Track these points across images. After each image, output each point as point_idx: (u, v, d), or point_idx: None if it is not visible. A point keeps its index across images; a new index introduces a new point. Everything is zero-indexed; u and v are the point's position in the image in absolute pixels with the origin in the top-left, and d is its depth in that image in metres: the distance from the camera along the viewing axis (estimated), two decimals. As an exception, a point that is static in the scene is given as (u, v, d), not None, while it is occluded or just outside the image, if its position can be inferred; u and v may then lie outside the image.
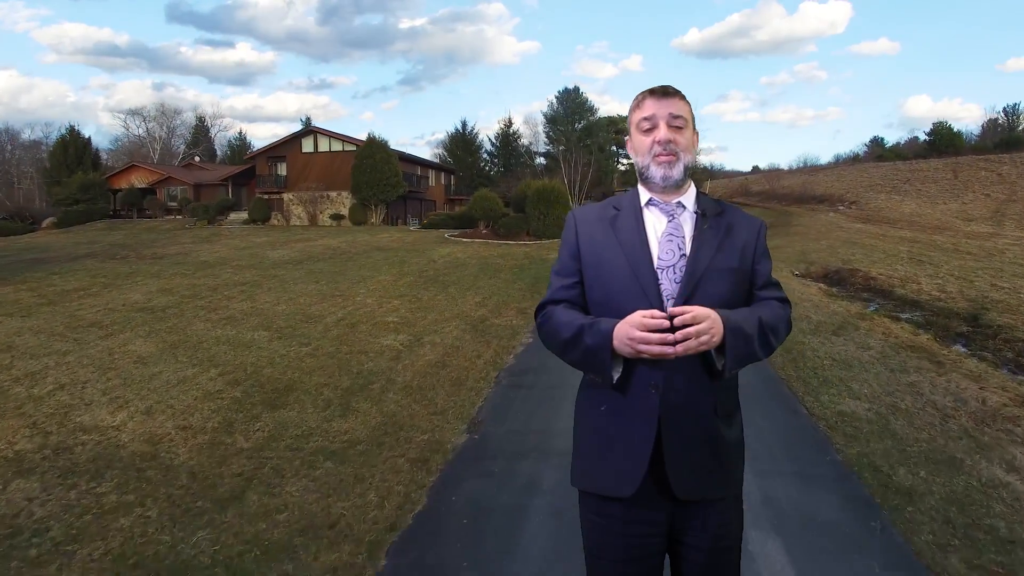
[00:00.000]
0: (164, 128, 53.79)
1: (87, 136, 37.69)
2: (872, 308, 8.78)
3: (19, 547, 2.86)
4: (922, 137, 49.66)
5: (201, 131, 55.48)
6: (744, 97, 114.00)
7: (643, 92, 1.40)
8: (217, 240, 21.01)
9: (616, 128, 46.59)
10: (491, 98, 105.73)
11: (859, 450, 3.69)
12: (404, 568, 2.64)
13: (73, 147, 36.25)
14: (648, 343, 1.17)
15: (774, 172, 52.79)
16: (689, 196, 1.40)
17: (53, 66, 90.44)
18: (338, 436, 4.25)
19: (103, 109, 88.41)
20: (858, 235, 19.13)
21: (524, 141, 49.98)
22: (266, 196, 29.66)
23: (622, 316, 1.25)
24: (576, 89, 49.30)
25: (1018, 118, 48.96)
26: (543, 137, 49.52)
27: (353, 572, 2.63)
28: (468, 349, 6.36)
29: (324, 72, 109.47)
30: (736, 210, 1.45)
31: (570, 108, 48.45)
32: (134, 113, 58.89)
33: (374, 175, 26.86)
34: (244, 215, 29.67)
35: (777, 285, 1.44)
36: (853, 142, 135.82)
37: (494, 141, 49.83)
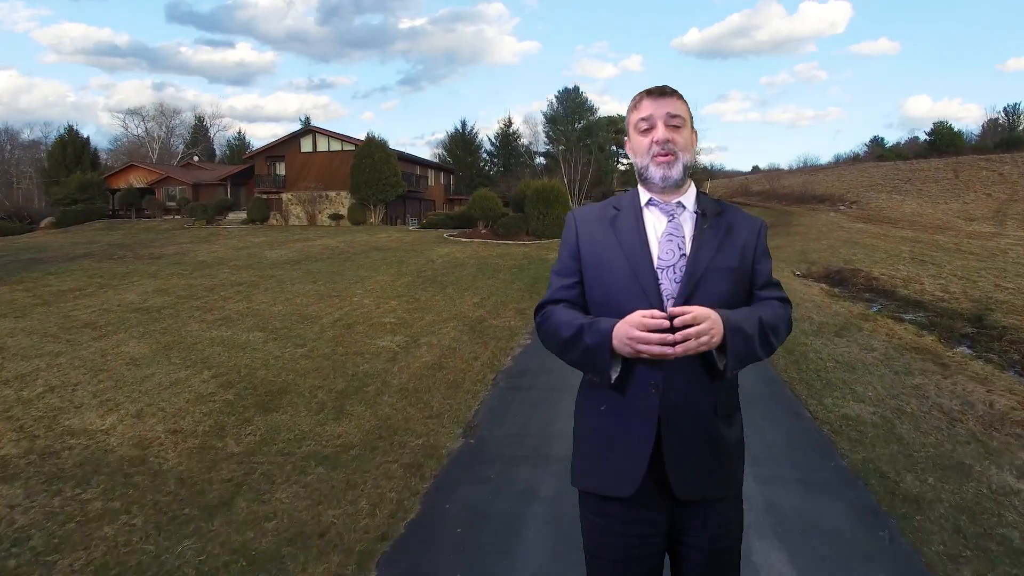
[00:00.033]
0: (163, 128, 53.72)
1: (86, 136, 37.64)
2: (875, 309, 8.69)
3: (-3, 557, 2.77)
4: (922, 137, 49.65)
5: (200, 131, 55.38)
6: (744, 97, 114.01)
7: (640, 93, 1.40)
8: (215, 240, 20.92)
9: (616, 128, 46.47)
10: (491, 98, 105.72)
11: (864, 455, 3.60)
12: (395, 580, 2.55)
13: (72, 147, 36.16)
14: (648, 343, 1.17)
15: (774, 172, 52.72)
16: (689, 196, 1.39)
17: (53, 66, 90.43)
18: (331, 440, 4.16)
19: (103, 109, 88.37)
20: (859, 235, 19.03)
21: (524, 141, 49.93)
22: (265, 196, 29.56)
23: (622, 316, 1.25)
24: (576, 89, 49.22)
25: (1018, 118, 48.90)
26: (543, 137, 49.47)
27: (342, 584, 2.54)
28: (465, 351, 6.27)
29: (324, 72, 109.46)
30: (736, 210, 1.45)
31: (570, 108, 48.34)
32: (133, 113, 58.74)
33: (373, 175, 26.75)
34: (243, 215, 29.56)
35: (777, 285, 1.43)
36: (853, 142, 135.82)
37: (494, 141, 49.78)
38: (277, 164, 30.40)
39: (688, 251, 1.32)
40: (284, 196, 29.36)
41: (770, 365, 5.53)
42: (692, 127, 1.41)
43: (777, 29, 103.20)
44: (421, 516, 3.03)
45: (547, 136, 48.94)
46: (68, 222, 29.86)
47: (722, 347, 1.22)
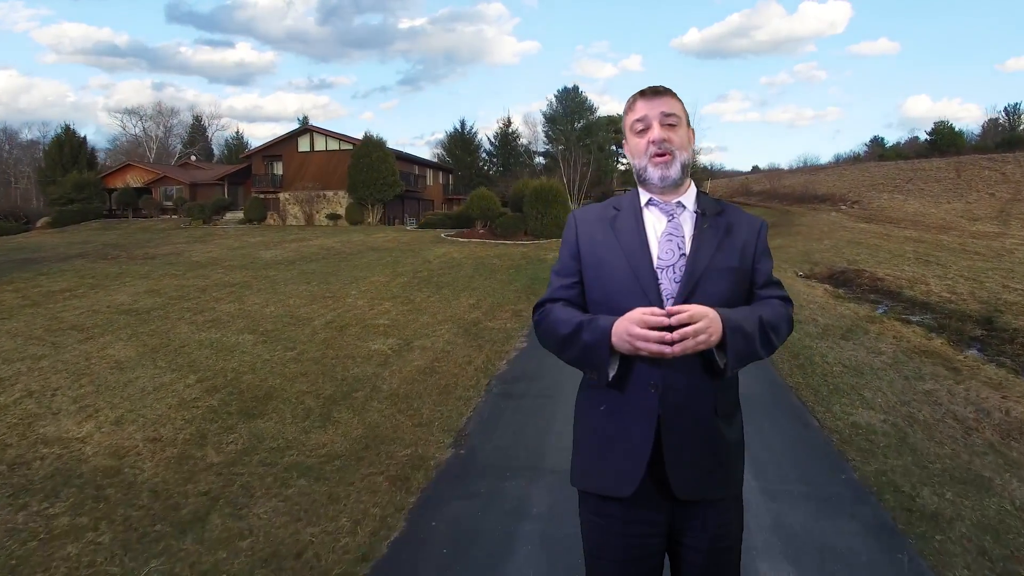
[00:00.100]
0: (161, 127, 53.48)
1: (83, 135, 37.39)
2: (881, 310, 8.49)
3: (-53, 581, 2.58)
4: (923, 137, 49.47)
5: (198, 130, 55.16)
6: (744, 97, 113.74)
7: (634, 94, 1.40)
8: (211, 240, 20.73)
9: (615, 127, 46.22)
10: (491, 98, 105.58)
11: (877, 467, 3.40)
12: (374, 607, 2.35)
13: (69, 146, 35.95)
14: (646, 340, 1.16)
15: (775, 172, 52.48)
16: (689, 196, 1.39)
17: (53, 66, 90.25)
18: (315, 450, 3.97)
19: (103, 109, 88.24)
20: (862, 235, 18.82)
21: (523, 141, 49.68)
22: (262, 196, 29.35)
23: (621, 316, 1.24)
24: (575, 88, 49.01)
25: (1019, 118, 48.73)
26: (542, 136, 49.24)
27: (316, 612, 2.35)
28: (459, 354, 6.07)
29: (324, 72, 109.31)
30: (736, 209, 1.44)
31: (569, 107, 48.13)
32: (131, 113, 58.38)
33: (371, 174, 26.54)
34: (240, 215, 29.38)
35: (778, 284, 1.42)
36: (853, 142, 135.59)
37: (493, 141, 49.55)
38: (274, 164, 30.19)
39: (688, 251, 1.32)
40: (281, 196, 29.15)
41: (775, 369, 5.34)
42: (688, 125, 1.40)
43: (777, 29, 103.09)
44: (405, 534, 2.84)
45: (546, 136, 48.74)
46: (64, 222, 29.66)
47: (722, 346, 1.21)
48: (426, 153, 56.41)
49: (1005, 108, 49.75)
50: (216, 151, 54.85)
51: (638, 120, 1.37)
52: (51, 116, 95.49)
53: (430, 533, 2.83)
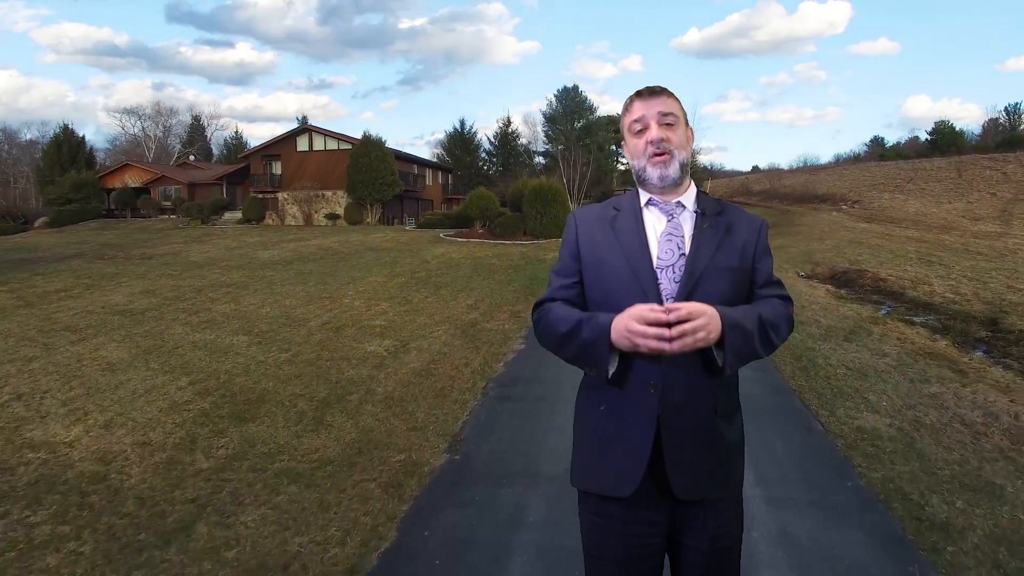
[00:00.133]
0: (160, 127, 53.35)
1: (81, 135, 37.24)
2: (884, 311, 8.38)
3: (-82, 595, 2.48)
4: (923, 136, 49.36)
5: (197, 130, 55.04)
6: (744, 97, 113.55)
7: (631, 95, 1.40)
8: (209, 240, 20.63)
9: (615, 127, 46.10)
10: (490, 98, 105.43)
11: (883, 473, 3.30)
12: (362, 623, 2.25)
13: (67, 146, 35.81)
14: (645, 337, 1.15)
15: (775, 172, 52.35)
16: (689, 195, 1.39)
17: (53, 66, 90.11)
18: (307, 455, 3.87)
19: (102, 109, 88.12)
20: (863, 235, 18.72)
21: (523, 140, 49.55)
22: (261, 195, 29.24)
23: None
24: (575, 88, 48.91)
25: (1019, 117, 48.65)
26: (542, 136, 49.12)
27: (302, 629, 2.25)
28: (456, 356, 5.97)
29: (324, 72, 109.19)
30: (736, 209, 1.43)
31: (569, 107, 48.03)
32: (129, 112, 58.15)
33: (369, 174, 26.43)
34: (238, 215, 29.27)
35: (779, 283, 1.41)
36: (853, 142, 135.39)
37: (493, 140, 49.43)
38: (273, 163, 30.06)
39: (687, 250, 1.32)
40: (280, 195, 29.05)
41: (778, 372, 5.24)
42: (687, 124, 1.39)
43: (777, 29, 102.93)
44: (396, 545, 2.74)
45: (546, 135, 48.64)
46: (62, 222, 29.56)
47: (721, 344, 1.20)
48: (426, 153, 56.27)
49: (1006, 108, 49.71)
50: (215, 151, 54.73)
51: (636, 121, 1.36)
52: (51, 116, 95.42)
53: (422, 544, 2.74)
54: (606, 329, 1.23)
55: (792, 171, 49.83)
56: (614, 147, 47.56)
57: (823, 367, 5.35)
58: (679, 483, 1.27)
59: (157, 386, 5.45)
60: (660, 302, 1.26)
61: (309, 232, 23.09)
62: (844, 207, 28.68)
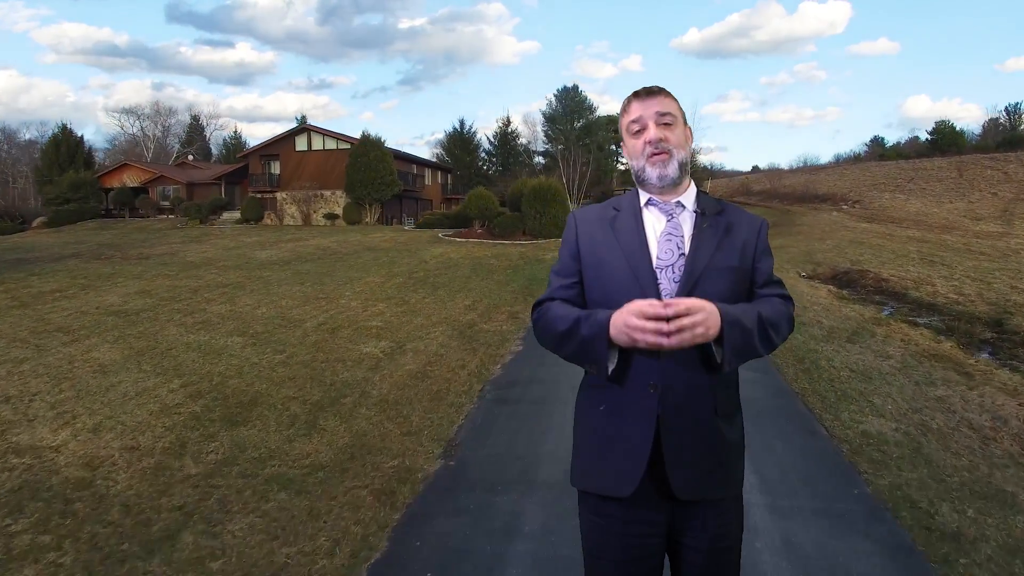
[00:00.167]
0: (159, 127, 53.21)
1: (80, 135, 37.10)
2: (887, 312, 8.28)
3: None
4: (923, 136, 49.26)
5: (196, 130, 54.91)
6: (744, 97, 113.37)
7: (628, 96, 1.39)
8: (206, 240, 20.54)
9: (615, 127, 45.93)
10: (490, 98, 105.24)
11: (890, 480, 3.21)
12: (349, 640, 2.16)
13: (65, 145, 35.67)
14: (644, 331, 1.15)
15: (775, 172, 52.23)
16: (689, 195, 1.39)
17: (53, 66, 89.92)
18: (298, 460, 3.78)
19: (102, 109, 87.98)
20: (864, 234, 18.61)
21: (523, 140, 49.41)
22: (259, 195, 29.13)
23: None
24: (575, 87, 48.79)
25: (1020, 117, 48.55)
26: (541, 136, 48.99)
27: (286, 646, 2.16)
28: (452, 358, 5.87)
29: (324, 72, 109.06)
30: (736, 209, 1.43)
31: (569, 107, 47.92)
32: (128, 112, 57.96)
33: (368, 174, 26.31)
34: (237, 214, 29.17)
35: (779, 283, 1.40)
36: (853, 142, 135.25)
37: (492, 140, 49.31)
38: (272, 163, 29.94)
39: (687, 250, 1.31)
40: (279, 195, 28.94)
41: (780, 375, 5.14)
42: (685, 124, 1.39)
43: (777, 29, 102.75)
44: (387, 555, 2.64)
45: (546, 135, 48.51)
46: (60, 222, 29.45)
47: (720, 340, 1.19)
48: (426, 153, 56.06)
49: (1006, 108, 49.60)
50: (214, 151, 54.61)
51: (633, 121, 1.36)
52: (51, 116, 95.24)
53: (414, 554, 2.64)
54: (605, 325, 1.22)
55: (792, 171, 49.70)
56: (614, 147, 47.45)
57: (826, 369, 5.26)
58: (679, 483, 1.27)
59: (148, 388, 5.36)
60: None
61: (307, 232, 23.00)
62: (845, 207, 28.58)
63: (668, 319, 1.15)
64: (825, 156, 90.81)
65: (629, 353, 1.27)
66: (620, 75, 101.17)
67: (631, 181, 1.48)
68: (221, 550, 2.78)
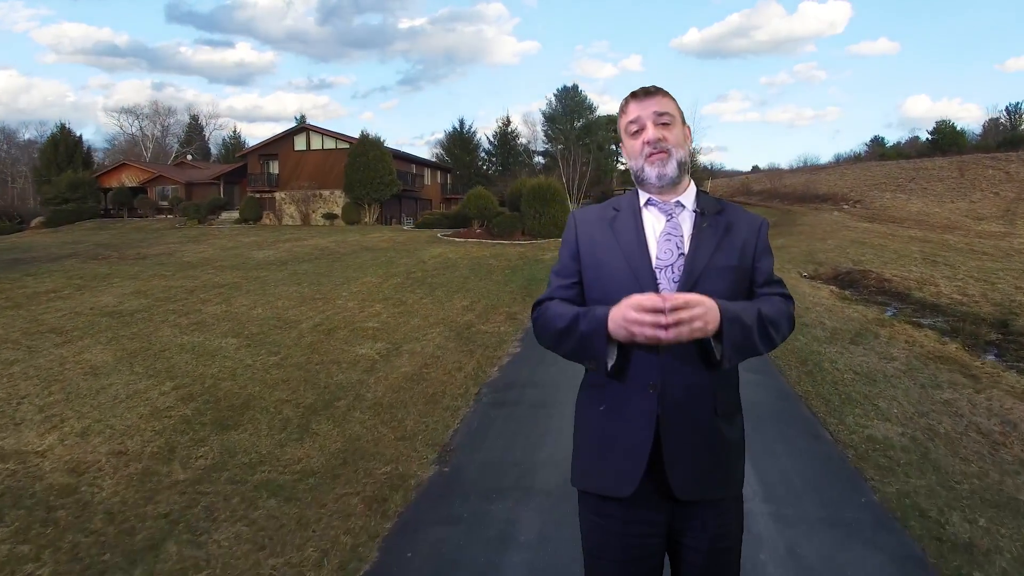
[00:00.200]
0: (158, 127, 53.09)
1: (78, 134, 36.99)
2: (890, 313, 8.18)
3: None
4: (923, 136, 49.14)
5: (195, 129, 54.78)
6: (744, 97, 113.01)
7: (626, 97, 1.40)
8: (204, 240, 20.45)
9: (615, 127, 45.76)
10: (490, 98, 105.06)
11: (898, 487, 3.11)
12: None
13: (64, 145, 35.56)
14: (641, 324, 1.14)
15: (775, 171, 52.09)
16: (688, 195, 1.38)
17: (53, 66, 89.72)
18: (289, 466, 3.68)
19: (102, 109, 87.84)
20: (866, 234, 18.50)
21: (523, 140, 49.27)
22: (258, 195, 29.02)
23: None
24: (575, 87, 48.67)
25: (1020, 117, 48.42)
26: (541, 136, 48.85)
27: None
28: (449, 360, 5.77)
29: (324, 72, 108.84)
30: (736, 208, 1.42)
31: (569, 106, 47.81)
32: (127, 112, 57.74)
33: (367, 173, 26.20)
34: (236, 214, 29.06)
35: (779, 282, 1.39)
36: (853, 142, 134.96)
37: (492, 140, 49.19)
38: (270, 162, 29.83)
39: (686, 250, 1.31)
40: (277, 195, 28.83)
41: (783, 377, 5.05)
42: (683, 123, 1.39)
43: (776, 29, 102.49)
44: (377, 567, 2.55)
45: (546, 135, 48.38)
46: (58, 222, 29.35)
47: (719, 337, 1.19)
48: (426, 153, 55.78)
49: (1007, 107, 49.45)
50: (214, 150, 54.49)
51: (631, 122, 1.36)
52: (51, 116, 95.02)
53: (404, 565, 2.54)
54: (603, 320, 1.22)
55: (792, 171, 49.53)
56: (614, 147, 47.33)
57: (830, 371, 5.16)
58: (679, 483, 1.27)
59: (140, 391, 5.27)
60: None
61: (306, 232, 22.91)
62: (846, 207, 28.47)
63: (666, 313, 1.14)
64: (825, 156, 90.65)
65: (629, 351, 1.26)
66: (620, 75, 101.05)
67: (631, 181, 1.45)
68: (205, 561, 2.69)
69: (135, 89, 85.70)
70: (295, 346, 6.59)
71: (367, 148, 26.58)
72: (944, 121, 45.61)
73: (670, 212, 1.36)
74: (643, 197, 1.40)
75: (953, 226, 21.18)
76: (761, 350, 1.28)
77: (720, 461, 1.31)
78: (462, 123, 47.68)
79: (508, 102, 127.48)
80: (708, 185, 41.21)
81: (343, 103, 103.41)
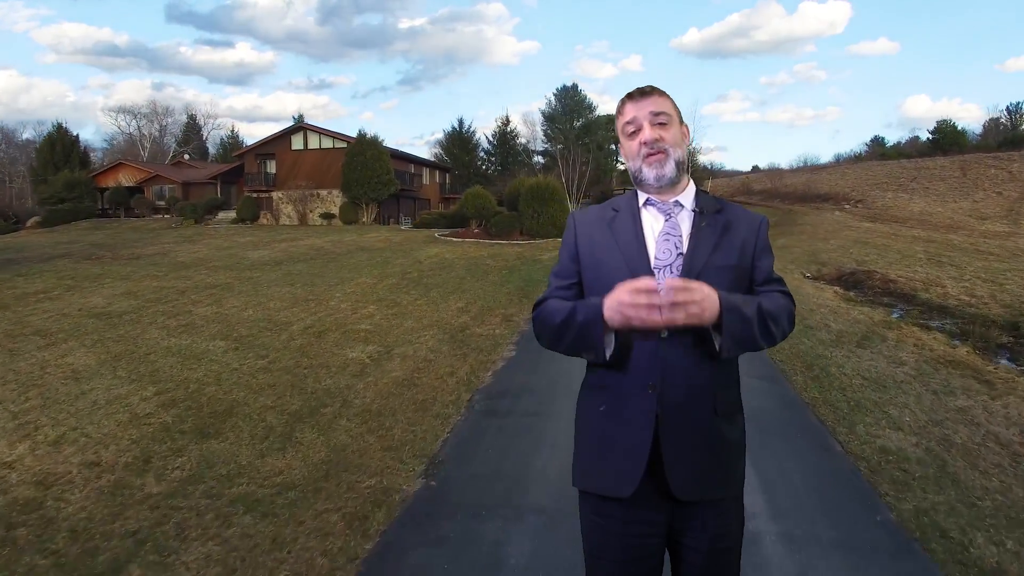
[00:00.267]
0: (156, 126, 52.86)
1: (75, 134, 36.80)
2: (896, 315, 7.97)
3: None
4: (923, 136, 48.94)
5: (193, 129, 54.56)
6: (744, 97, 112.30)
7: (622, 98, 1.40)
8: (200, 240, 20.25)
9: (614, 127, 45.65)
10: (490, 98, 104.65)
11: (915, 504, 2.91)
12: None
13: (60, 144, 35.35)
14: (636, 306, 1.14)
15: (775, 171, 51.85)
16: (687, 195, 1.38)
17: (53, 66, 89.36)
18: (269, 478, 3.48)
19: (102, 109, 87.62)
20: (868, 234, 18.29)
21: (522, 140, 49.01)
22: (255, 195, 28.81)
23: None
24: (575, 86, 48.46)
25: (1021, 117, 48.23)
26: (541, 136, 48.61)
27: None
28: (442, 364, 5.57)
29: (324, 72, 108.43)
30: (736, 207, 1.42)
31: (568, 106, 47.61)
32: (125, 111, 57.48)
33: (365, 173, 25.98)
34: (233, 214, 28.85)
35: (780, 281, 1.38)
36: (853, 142, 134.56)
37: (491, 140, 48.95)
38: (267, 162, 29.60)
39: (685, 250, 1.31)
40: (274, 195, 28.62)
41: (788, 383, 4.84)
42: (681, 122, 1.39)
43: (776, 29, 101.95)
44: (354, 595, 2.34)
45: (545, 134, 48.15)
46: (54, 221, 29.15)
47: (719, 327, 1.19)
48: (425, 153, 55.41)
49: (1007, 107, 49.25)
50: (212, 150, 54.26)
51: (628, 123, 1.36)
52: (51, 116, 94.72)
53: (384, 593, 2.34)
54: (599, 308, 1.21)
55: (793, 171, 49.26)
56: (613, 146, 47.13)
57: (837, 377, 4.95)
58: (678, 483, 1.26)
59: (120, 396, 5.08)
60: None
61: (303, 232, 22.71)
62: (847, 206, 28.26)
63: (660, 294, 1.14)
64: (825, 156, 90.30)
65: (629, 347, 1.26)
66: (620, 75, 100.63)
67: (630, 181, 1.42)
68: (170, 586, 2.49)
69: (135, 89, 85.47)
70: (284, 349, 6.40)
71: (365, 147, 26.36)
72: (945, 121, 45.42)
73: (668, 212, 1.35)
74: (642, 197, 1.39)
75: (956, 226, 20.98)
76: (761, 344, 1.26)
77: (720, 461, 1.30)
78: (461, 123, 47.45)
79: (508, 102, 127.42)
80: (708, 185, 40.99)
81: (343, 103, 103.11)
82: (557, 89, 49.68)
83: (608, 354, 1.24)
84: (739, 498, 1.38)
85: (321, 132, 29.39)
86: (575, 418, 1.43)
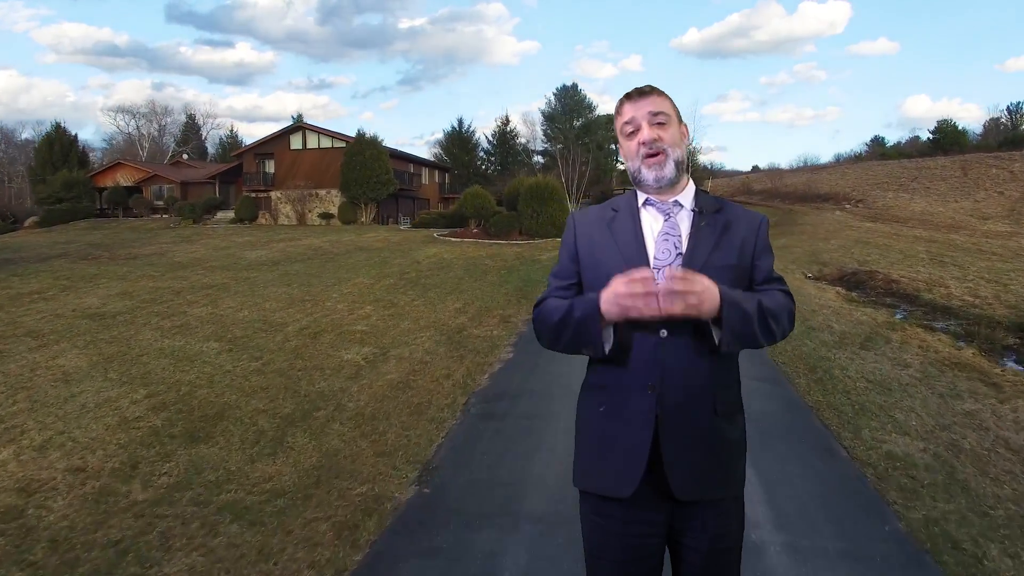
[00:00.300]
0: (154, 126, 52.73)
1: (74, 133, 36.67)
2: (900, 316, 7.87)
3: None
4: (924, 136, 48.83)
5: (192, 129, 54.43)
6: (743, 97, 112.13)
7: (621, 98, 1.40)
8: (198, 240, 20.15)
9: (614, 126, 45.51)
10: (490, 98, 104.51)
11: (925, 513, 2.81)
12: None
13: (59, 144, 35.22)
14: (633, 297, 1.15)
15: (775, 171, 51.74)
16: (687, 194, 1.38)
17: (52, 66, 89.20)
18: (258, 484, 3.39)
19: (102, 109, 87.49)
20: (869, 234, 18.19)
21: (522, 140, 48.88)
22: (253, 194, 28.71)
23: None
24: (575, 86, 48.36)
25: (1021, 117, 48.14)
26: (540, 135, 48.49)
27: None
28: (438, 366, 5.47)
29: (324, 72, 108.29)
30: (735, 207, 1.41)
31: (568, 106, 47.50)
32: (124, 111, 57.31)
33: (364, 172, 25.87)
34: (231, 214, 28.75)
35: (780, 280, 1.37)
36: (853, 142, 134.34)
37: (491, 140, 48.82)
38: (266, 162, 29.49)
39: (684, 249, 1.31)
40: (273, 194, 28.52)
41: (791, 386, 4.74)
42: (680, 121, 1.38)
43: (776, 29, 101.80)
44: (341, 610, 2.24)
45: (545, 134, 48.05)
46: (53, 221, 29.04)
47: (719, 322, 1.18)
48: (425, 153, 55.23)
49: (1008, 107, 49.13)
50: (211, 150, 54.14)
51: (627, 123, 1.36)
52: (51, 116, 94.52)
53: (373, 608, 2.24)
54: (595, 302, 1.22)
55: (793, 170, 49.13)
56: (613, 146, 47.01)
57: (841, 379, 4.85)
58: (678, 484, 1.26)
59: (110, 399, 4.98)
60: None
61: (301, 232, 22.61)
62: (848, 206, 28.15)
63: (656, 283, 1.15)
64: (825, 156, 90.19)
65: (628, 346, 1.26)
66: (620, 75, 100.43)
67: (630, 181, 1.40)
68: (150, 600, 2.39)
69: (135, 89, 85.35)
70: (279, 351, 6.30)
71: (364, 147, 26.26)
72: (946, 120, 45.31)
73: (668, 212, 1.35)
74: (641, 197, 1.39)
75: (958, 226, 20.88)
76: (761, 341, 1.26)
77: (720, 461, 1.30)
78: (461, 122, 47.32)
79: (508, 102, 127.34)
80: (708, 185, 40.88)
81: (343, 103, 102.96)
82: (557, 89, 49.61)
83: (607, 348, 1.24)
84: (739, 498, 1.37)
85: (320, 132, 29.29)
86: (575, 418, 1.42)
